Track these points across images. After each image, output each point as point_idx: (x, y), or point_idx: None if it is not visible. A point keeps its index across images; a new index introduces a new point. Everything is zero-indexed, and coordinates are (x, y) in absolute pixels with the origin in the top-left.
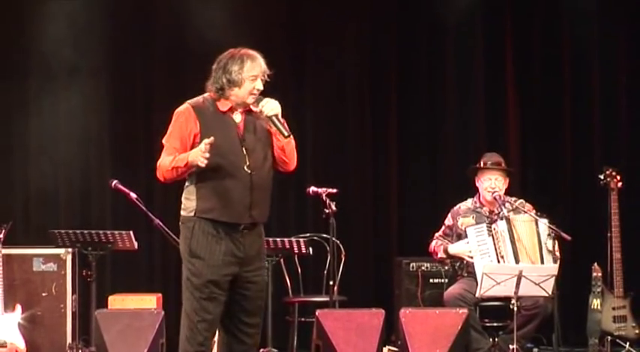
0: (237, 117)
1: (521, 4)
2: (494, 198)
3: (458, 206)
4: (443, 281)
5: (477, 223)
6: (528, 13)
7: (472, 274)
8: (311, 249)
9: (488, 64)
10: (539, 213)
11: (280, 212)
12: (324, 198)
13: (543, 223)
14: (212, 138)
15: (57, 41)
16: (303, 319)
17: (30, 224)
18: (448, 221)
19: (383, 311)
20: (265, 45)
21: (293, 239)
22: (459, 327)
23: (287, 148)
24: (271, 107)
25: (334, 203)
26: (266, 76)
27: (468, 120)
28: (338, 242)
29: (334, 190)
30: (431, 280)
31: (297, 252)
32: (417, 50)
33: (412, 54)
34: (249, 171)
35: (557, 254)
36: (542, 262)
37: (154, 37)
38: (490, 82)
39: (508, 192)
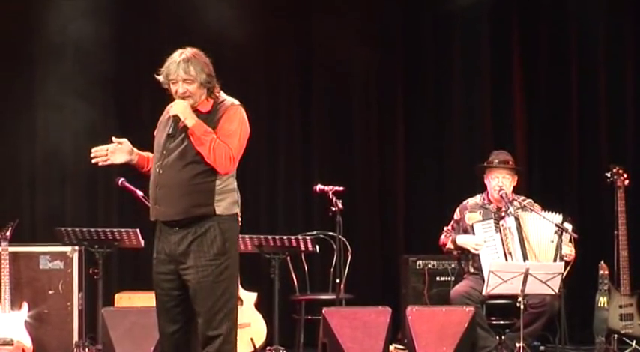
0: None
1: (528, 2)
2: (501, 197)
3: (466, 201)
4: (449, 279)
5: (483, 219)
6: (535, 12)
7: (478, 270)
8: (318, 247)
9: (495, 62)
10: (550, 212)
11: (287, 210)
12: (330, 195)
13: (550, 221)
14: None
15: (64, 35)
16: (309, 317)
17: (37, 222)
18: (456, 215)
19: (389, 309)
20: (271, 44)
21: (300, 237)
22: (466, 325)
23: (201, 150)
24: (174, 108)
25: (341, 201)
26: (200, 80)
27: (475, 119)
28: (344, 240)
29: (341, 188)
30: (437, 278)
31: (303, 249)
32: (423, 49)
33: (419, 52)
34: (157, 170)
35: (572, 252)
36: (554, 260)
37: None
38: (497, 80)
39: (515, 191)
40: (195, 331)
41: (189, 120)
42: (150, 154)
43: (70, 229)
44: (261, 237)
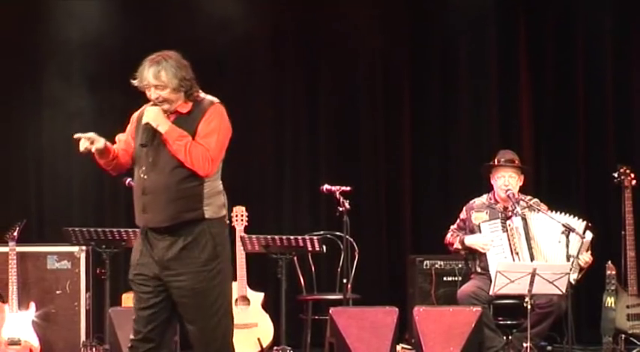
0: None
1: (535, 3)
2: (508, 196)
3: (473, 200)
4: (456, 279)
5: (490, 219)
6: (542, 12)
7: (485, 270)
8: (325, 247)
9: (502, 61)
10: (556, 212)
11: (294, 210)
12: (337, 196)
13: (558, 221)
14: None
15: (71, 41)
16: (316, 317)
17: (44, 222)
18: (462, 214)
19: (396, 309)
20: (279, 45)
21: (307, 237)
22: (473, 325)
23: (178, 155)
24: (146, 115)
25: (348, 201)
26: (172, 86)
27: (482, 119)
28: (351, 240)
29: (348, 188)
30: (444, 278)
31: (310, 249)
32: (430, 49)
33: (425, 52)
34: (142, 176)
35: (590, 259)
36: (564, 261)
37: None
38: (504, 79)
39: (522, 190)
40: (173, 330)
41: (162, 126)
42: (112, 147)
43: (77, 229)
44: (268, 237)
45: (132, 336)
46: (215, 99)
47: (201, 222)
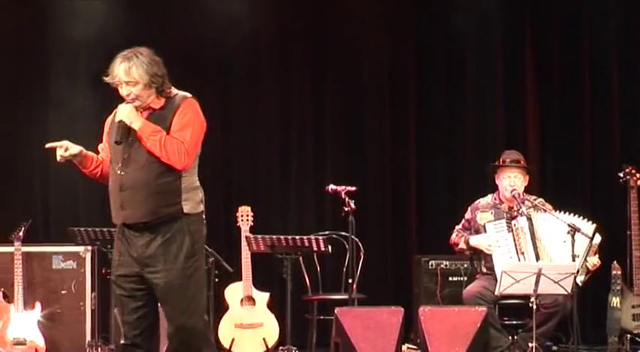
0: None
1: (541, 3)
2: (513, 196)
3: (478, 201)
4: (462, 279)
5: (495, 219)
6: (548, 12)
7: (490, 270)
8: (330, 247)
9: (508, 62)
10: (562, 212)
11: (300, 210)
12: (343, 196)
13: (563, 221)
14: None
15: (77, 41)
16: (322, 317)
17: (50, 222)
18: (467, 214)
19: (402, 309)
20: (285, 44)
21: (312, 237)
22: (478, 325)
23: (153, 150)
24: (118, 113)
25: (353, 201)
26: (144, 82)
27: (487, 119)
28: (357, 240)
29: (353, 188)
30: (450, 278)
31: (316, 249)
32: (436, 49)
33: (431, 52)
34: (119, 172)
35: (598, 263)
36: (570, 260)
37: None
38: (509, 79)
39: (527, 190)
40: (157, 335)
41: (135, 122)
42: (94, 155)
43: (82, 229)
44: (274, 237)
45: (122, 340)
46: (188, 94)
47: (179, 218)
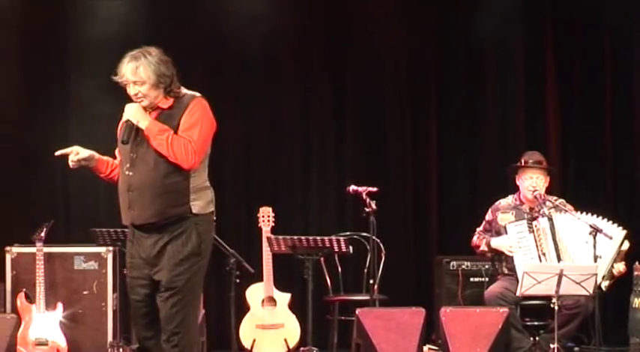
0: None
1: (562, 3)
2: (535, 197)
3: (498, 202)
4: (483, 280)
5: (516, 220)
6: (569, 12)
7: (512, 271)
8: (351, 248)
9: (529, 62)
10: (583, 213)
11: (321, 211)
12: (364, 196)
13: (584, 222)
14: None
15: (98, 41)
16: (343, 318)
17: (71, 222)
18: (488, 216)
19: (423, 310)
20: (305, 44)
21: (333, 237)
22: (500, 326)
23: (160, 149)
24: (125, 112)
25: (374, 201)
26: (151, 81)
27: (508, 120)
28: (378, 241)
29: (374, 189)
30: (471, 279)
31: (337, 250)
32: (457, 49)
33: (452, 53)
34: (127, 173)
35: (624, 269)
36: (592, 261)
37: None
38: (530, 80)
39: (549, 191)
40: None
41: (142, 121)
42: (110, 159)
43: (104, 230)
44: (295, 237)
45: (137, 344)
46: (197, 94)
47: (188, 218)
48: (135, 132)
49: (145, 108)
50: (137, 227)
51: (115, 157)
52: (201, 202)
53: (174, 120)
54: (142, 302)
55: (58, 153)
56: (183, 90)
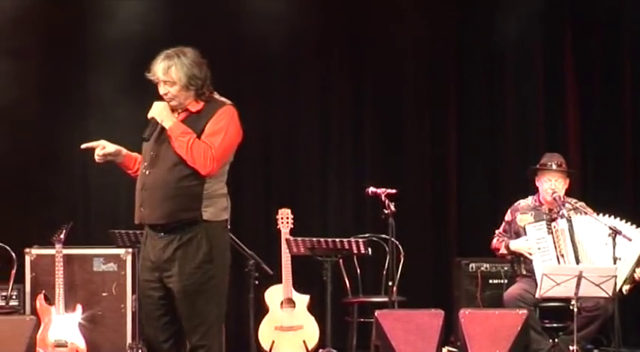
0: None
1: (581, 4)
2: (555, 199)
3: (518, 202)
4: (502, 281)
5: (535, 221)
6: (588, 13)
7: (530, 272)
8: (370, 250)
9: (548, 63)
10: (605, 215)
11: (339, 212)
12: (383, 198)
13: (604, 224)
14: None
15: (117, 41)
16: (362, 319)
17: (90, 224)
18: (507, 217)
19: (442, 311)
20: (324, 48)
21: (352, 239)
22: (519, 328)
23: (179, 151)
24: (151, 110)
25: (393, 203)
26: (182, 83)
27: (528, 120)
28: (397, 242)
29: (393, 191)
30: (490, 281)
31: (356, 252)
32: (476, 50)
33: (472, 53)
34: (144, 171)
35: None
36: (611, 263)
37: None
38: (550, 80)
39: (568, 193)
40: (184, 344)
41: (167, 121)
42: (137, 156)
43: (123, 231)
44: (314, 239)
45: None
46: (228, 101)
47: (198, 223)
48: (158, 131)
49: (173, 109)
50: (150, 227)
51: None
52: (214, 209)
53: (201, 124)
54: (155, 305)
55: (84, 146)
56: (216, 95)
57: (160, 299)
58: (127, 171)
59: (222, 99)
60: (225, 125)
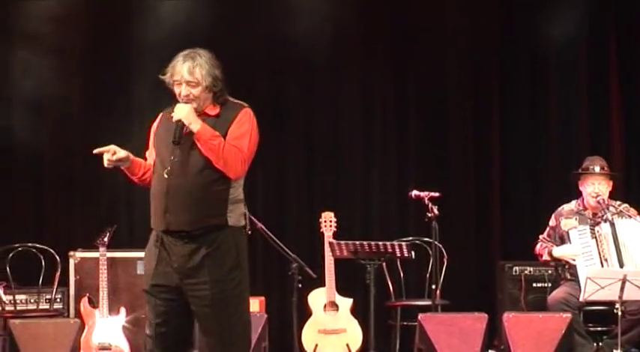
0: None
1: (626, 5)
2: (598, 203)
3: (561, 207)
4: (546, 285)
5: (579, 225)
6: (633, 15)
7: (574, 276)
8: (413, 253)
9: (592, 66)
10: None
11: (383, 216)
12: (426, 201)
13: None
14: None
15: (159, 44)
16: (405, 323)
17: (134, 227)
18: (551, 222)
19: (486, 315)
20: (369, 53)
21: (395, 243)
22: (563, 332)
23: (209, 155)
24: (177, 112)
25: (437, 207)
26: (205, 84)
27: (571, 124)
28: (440, 246)
29: (437, 194)
30: (534, 284)
31: (399, 255)
32: (519, 55)
33: (515, 56)
34: (166, 176)
35: None
36: None
37: (252, 37)
38: (594, 83)
39: (612, 196)
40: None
41: (194, 124)
42: (142, 161)
43: None
44: (357, 242)
45: None
46: (244, 104)
47: (224, 228)
48: (182, 134)
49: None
50: (170, 233)
51: (145, 159)
52: (236, 215)
53: (223, 127)
54: (164, 310)
55: (96, 151)
56: (230, 99)
57: (170, 302)
58: (131, 176)
59: (238, 101)
60: (248, 128)
